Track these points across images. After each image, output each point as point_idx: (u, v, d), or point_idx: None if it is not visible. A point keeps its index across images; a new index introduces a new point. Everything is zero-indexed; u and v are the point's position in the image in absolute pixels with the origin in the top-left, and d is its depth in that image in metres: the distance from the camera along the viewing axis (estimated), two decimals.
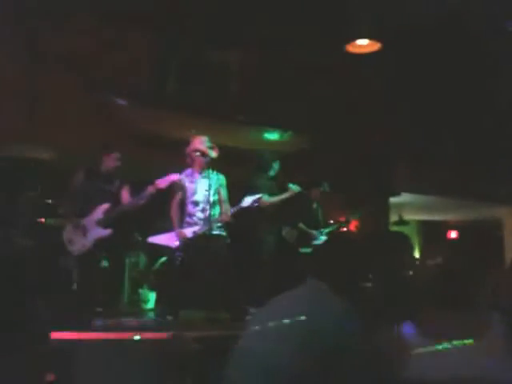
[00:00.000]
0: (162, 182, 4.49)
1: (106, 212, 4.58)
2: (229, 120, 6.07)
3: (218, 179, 4.75)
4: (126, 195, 4.74)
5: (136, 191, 4.70)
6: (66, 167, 5.35)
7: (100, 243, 4.57)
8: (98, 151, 4.83)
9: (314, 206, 6.03)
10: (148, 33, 5.62)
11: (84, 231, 4.56)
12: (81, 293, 4.63)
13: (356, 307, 1.90)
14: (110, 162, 4.74)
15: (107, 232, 4.56)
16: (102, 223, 4.57)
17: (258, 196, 4.69)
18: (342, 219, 6.35)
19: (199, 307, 4.70)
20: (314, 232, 5.85)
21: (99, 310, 4.47)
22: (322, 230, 5.92)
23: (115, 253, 4.83)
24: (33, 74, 5.40)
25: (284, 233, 5.71)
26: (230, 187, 4.94)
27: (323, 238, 5.82)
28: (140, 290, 5.61)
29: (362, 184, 6.63)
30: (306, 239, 5.78)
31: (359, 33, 5.23)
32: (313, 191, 5.99)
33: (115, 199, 4.67)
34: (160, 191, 4.52)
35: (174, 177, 4.55)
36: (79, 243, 4.55)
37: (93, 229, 4.56)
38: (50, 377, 3.08)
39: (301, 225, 5.83)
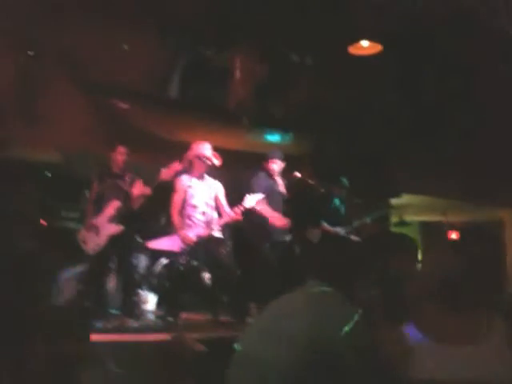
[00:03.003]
0: (167, 173, 4.56)
1: (118, 209, 4.64)
2: (232, 123, 6.07)
3: (215, 186, 4.80)
4: (137, 189, 4.77)
5: None
6: (68, 169, 5.37)
7: (113, 241, 4.65)
8: (105, 152, 4.88)
9: (337, 203, 5.75)
10: (151, 35, 5.62)
11: (97, 230, 4.62)
12: (82, 295, 4.66)
13: (359, 309, 1.89)
14: (118, 157, 4.80)
15: (119, 228, 4.62)
16: (114, 220, 4.63)
17: (260, 196, 4.71)
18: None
19: (201, 309, 4.71)
20: (339, 230, 5.55)
21: (100, 312, 4.48)
22: (344, 228, 5.56)
23: (124, 254, 4.87)
24: (34, 76, 5.41)
25: (307, 233, 5.58)
26: (232, 189, 4.96)
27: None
28: (140, 292, 5.59)
29: (367, 186, 6.56)
30: (331, 238, 5.57)
31: (362, 34, 5.23)
32: (333, 188, 5.75)
33: (126, 195, 4.72)
34: (165, 182, 4.60)
35: (178, 166, 4.61)
36: (93, 242, 4.62)
37: (105, 226, 4.62)
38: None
39: (324, 224, 5.59)
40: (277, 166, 5.21)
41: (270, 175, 5.21)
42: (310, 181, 5.42)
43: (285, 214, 5.24)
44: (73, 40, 5.40)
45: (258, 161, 5.48)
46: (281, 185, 5.26)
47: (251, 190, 4.86)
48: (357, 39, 5.30)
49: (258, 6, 5.22)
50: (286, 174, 5.40)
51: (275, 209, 5.05)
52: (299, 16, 5.21)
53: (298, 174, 5.32)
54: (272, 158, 5.22)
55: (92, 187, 4.82)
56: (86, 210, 4.83)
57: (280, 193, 5.23)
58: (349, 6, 4.81)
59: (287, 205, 5.30)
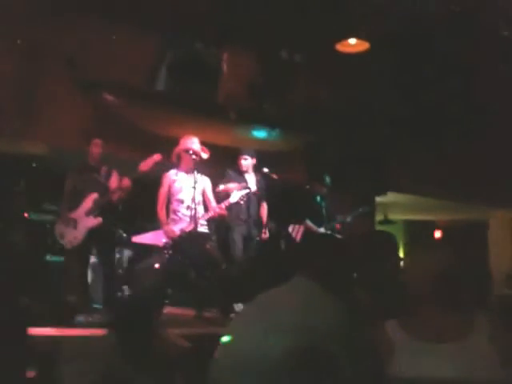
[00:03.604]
0: (145, 165, 4.51)
1: (95, 201, 4.59)
2: (219, 118, 6.04)
3: (202, 180, 4.77)
4: (114, 181, 4.72)
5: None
6: (58, 164, 5.30)
7: (91, 235, 4.58)
8: (82, 145, 4.83)
9: (318, 200, 5.81)
10: (142, 31, 5.58)
11: (74, 223, 4.57)
12: (63, 288, 4.61)
13: (344, 305, 1.88)
14: (94, 149, 4.73)
15: (97, 221, 4.56)
16: (92, 213, 4.57)
17: (245, 191, 4.71)
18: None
19: (186, 305, 4.69)
20: (320, 229, 5.59)
21: (80, 305, 4.43)
22: (325, 225, 5.62)
23: (105, 247, 4.81)
24: (28, 71, 5.34)
25: (290, 229, 5.58)
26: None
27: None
28: (123, 287, 5.55)
29: (355, 183, 6.57)
30: (314, 235, 5.44)
31: (350, 32, 5.23)
32: (315, 185, 5.83)
33: (103, 188, 4.67)
34: (144, 173, 4.54)
35: (157, 157, 4.57)
36: (70, 235, 4.57)
37: (83, 219, 4.56)
38: (31, 374, 3.02)
39: (307, 221, 5.64)
40: (246, 162, 5.17)
41: (240, 171, 5.17)
42: (274, 176, 5.34)
43: (256, 209, 5.20)
44: (62, 34, 5.34)
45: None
46: (251, 181, 5.20)
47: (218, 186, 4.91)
48: (349, 38, 5.31)
49: (250, 3, 5.20)
50: (273, 169, 5.38)
51: (241, 205, 4.97)
52: (291, 13, 5.21)
53: (266, 170, 5.28)
54: (242, 154, 5.19)
55: (67, 180, 4.75)
56: (62, 204, 4.76)
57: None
58: (347, 6, 4.82)
59: (263, 200, 5.27)
